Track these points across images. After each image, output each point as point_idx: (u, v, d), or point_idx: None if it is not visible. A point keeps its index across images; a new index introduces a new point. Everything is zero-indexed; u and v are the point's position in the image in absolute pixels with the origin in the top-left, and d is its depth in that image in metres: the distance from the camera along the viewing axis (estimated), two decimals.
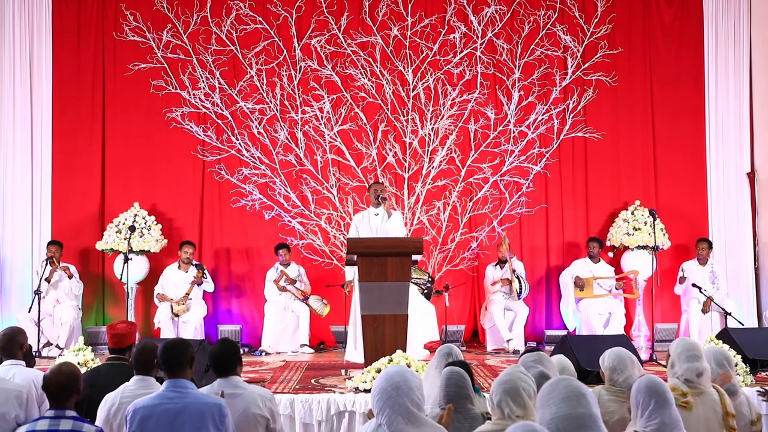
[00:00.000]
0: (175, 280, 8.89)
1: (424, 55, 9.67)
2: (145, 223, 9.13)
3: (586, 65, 9.76)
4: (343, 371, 6.90)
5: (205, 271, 8.94)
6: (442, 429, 3.01)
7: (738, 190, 9.73)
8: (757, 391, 5.23)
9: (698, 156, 9.84)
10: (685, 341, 3.99)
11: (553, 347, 7.07)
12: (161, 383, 3.98)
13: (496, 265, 9.18)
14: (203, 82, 9.58)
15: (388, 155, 9.62)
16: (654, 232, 8.43)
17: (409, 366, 5.47)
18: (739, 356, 6.16)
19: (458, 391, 3.54)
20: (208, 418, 3.48)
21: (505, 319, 8.83)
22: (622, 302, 9.07)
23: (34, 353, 7.17)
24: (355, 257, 6.65)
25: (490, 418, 3.51)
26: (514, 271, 8.85)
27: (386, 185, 7.98)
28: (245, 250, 9.66)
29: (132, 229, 8.65)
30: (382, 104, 9.66)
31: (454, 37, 9.67)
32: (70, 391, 3.43)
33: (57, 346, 8.34)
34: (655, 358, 7.57)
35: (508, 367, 3.37)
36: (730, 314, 8.22)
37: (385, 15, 9.64)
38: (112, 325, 4.60)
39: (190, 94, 9.56)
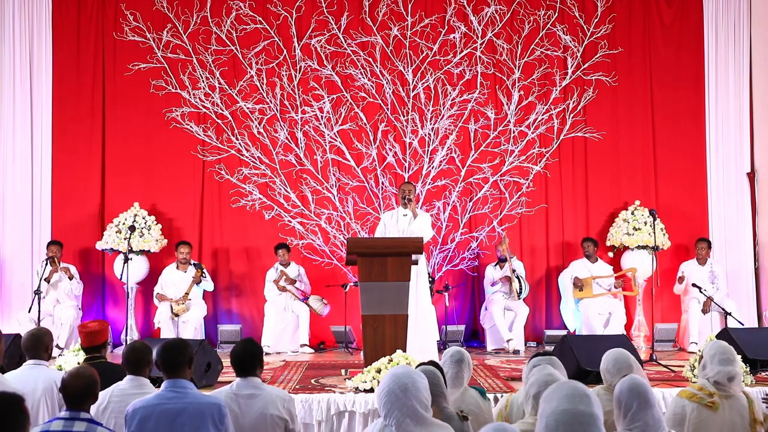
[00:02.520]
0: (174, 280, 8.89)
1: (424, 55, 9.67)
2: (145, 223, 9.13)
3: (586, 65, 9.76)
4: (343, 371, 6.90)
5: (204, 271, 8.95)
6: (450, 428, 2.99)
7: (738, 190, 9.73)
8: (763, 397, 5.21)
9: (698, 156, 9.84)
10: (720, 344, 4.01)
11: (553, 347, 7.06)
12: (154, 383, 3.98)
13: (495, 265, 9.18)
14: (203, 82, 9.59)
15: (388, 155, 9.62)
16: (654, 232, 8.42)
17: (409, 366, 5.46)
18: (739, 356, 6.14)
19: (434, 389, 3.54)
20: (208, 418, 3.48)
21: (505, 319, 8.83)
22: (622, 302, 9.07)
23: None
24: (355, 257, 6.65)
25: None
26: (514, 271, 8.85)
27: (413, 185, 7.91)
28: (245, 250, 9.66)
29: (132, 229, 8.65)
30: (382, 104, 9.66)
31: (454, 37, 9.67)
32: (87, 395, 3.43)
33: (57, 346, 8.33)
34: (655, 358, 7.57)
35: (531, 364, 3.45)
36: (730, 314, 8.21)
37: (385, 15, 9.64)
38: (84, 324, 4.68)
39: (190, 94, 9.56)
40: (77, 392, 3.40)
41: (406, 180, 9.49)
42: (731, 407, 3.78)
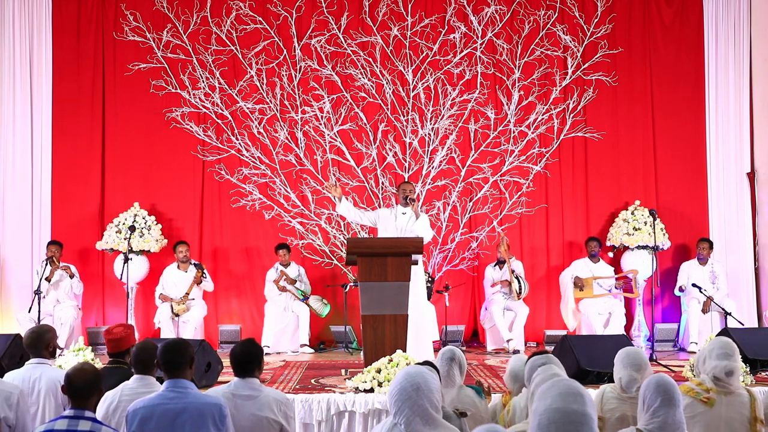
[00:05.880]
0: (174, 279, 8.89)
1: (424, 55, 9.67)
2: (145, 223, 9.13)
3: (586, 65, 9.76)
4: (343, 371, 6.90)
5: (205, 271, 8.94)
6: (457, 430, 2.99)
7: (738, 190, 9.73)
8: None
9: (698, 156, 9.84)
10: (722, 339, 3.99)
11: (553, 347, 7.06)
12: (161, 383, 3.97)
13: (495, 265, 9.17)
14: (203, 82, 9.59)
15: (388, 155, 9.62)
16: (654, 232, 8.42)
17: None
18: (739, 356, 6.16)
19: None
20: (209, 418, 3.48)
21: (505, 319, 8.83)
22: (622, 302, 9.07)
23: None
24: (355, 257, 6.65)
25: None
26: (513, 271, 8.85)
27: (413, 185, 7.88)
28: (245, 250, 9.66)
29: (132, 229, 8.65)
30: (382, 104, 9.66)
31: (454, 37, 9.67)
32: (91, 389, 3.42)
33: (57, 346, 8.33)
34: (655, 358, 7.57)
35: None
36: (730, 314, 8.22)
37: (385, 15, 9.64)
38: (109, 330, 4.59)
39: (190, 94, 9.56)
40: (82, 387, 3.39)
41: (406, 179, 9.49)
42: (729, 404, 3.75)
